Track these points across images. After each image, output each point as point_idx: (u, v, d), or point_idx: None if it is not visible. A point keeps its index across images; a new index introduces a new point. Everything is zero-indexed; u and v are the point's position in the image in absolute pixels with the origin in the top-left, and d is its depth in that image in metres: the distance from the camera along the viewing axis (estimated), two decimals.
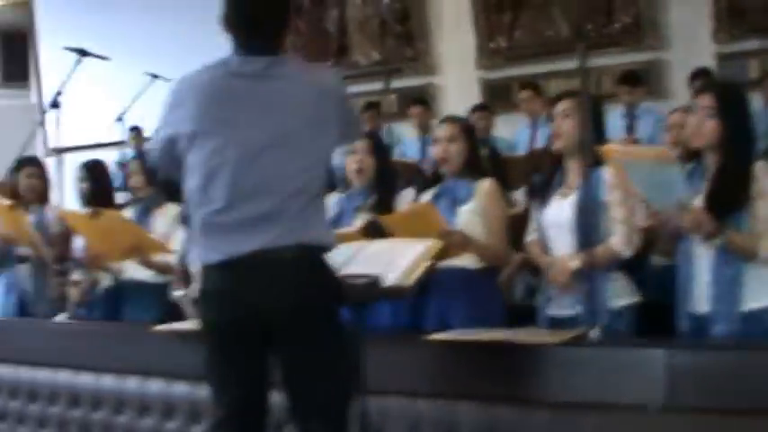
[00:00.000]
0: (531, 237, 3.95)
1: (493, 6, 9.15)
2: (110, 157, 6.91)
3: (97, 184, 5.32)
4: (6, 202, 5.21)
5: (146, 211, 5.01)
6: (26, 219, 5.11)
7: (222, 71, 2.90)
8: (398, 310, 4.01)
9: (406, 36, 9.64)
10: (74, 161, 5.55)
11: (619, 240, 3.63)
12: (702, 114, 3.43)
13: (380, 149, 4.34)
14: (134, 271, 4.89)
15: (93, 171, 5.39)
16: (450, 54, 9.01)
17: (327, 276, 2.93)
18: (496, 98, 9.02)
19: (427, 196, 4.15)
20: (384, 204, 4.18)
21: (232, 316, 2.85)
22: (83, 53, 4.94)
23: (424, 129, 8.25)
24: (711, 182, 3.40)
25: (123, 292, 5.02)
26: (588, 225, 3.59)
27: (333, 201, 4.23)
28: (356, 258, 3.30)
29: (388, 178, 4.34)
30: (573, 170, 3.79)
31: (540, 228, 3.87)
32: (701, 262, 3.44)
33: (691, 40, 8.20)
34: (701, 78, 6.91)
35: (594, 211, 3.60)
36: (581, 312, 3.63)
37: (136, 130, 9.10)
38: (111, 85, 8.93)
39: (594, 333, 3.31)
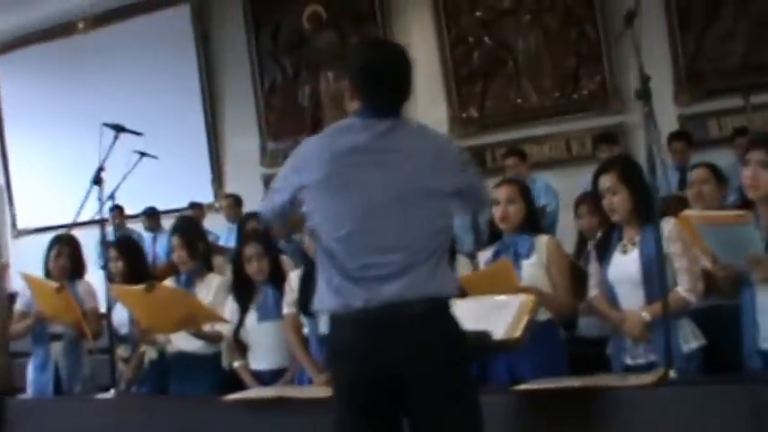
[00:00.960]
0: (593, 292, 4.14)
1: (464, 78, 9.52)
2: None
3: (132, 259, 5.42)
4: (53, 284, 5.23)
5: (189, 283, 5.06)
6: (71, 298, 5.10)
7: (348, 133, 3.01)
8: None
9: None
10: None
11: (685, 289, 3.86)
12: (757, 167, 3.72)
13: None
14: (181, 343, 4.96)
15: (125, 248, 5.51)
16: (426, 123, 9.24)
17: (459, 330, 3.03)
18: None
19: (488, 252, 4.36)
20: None
21: (369, 373, 2.91)
22: (120, 129, 4.99)
23: None
24: None
25: (170, 365, 5.06)
26: (655, 278, 3.82)
27: None
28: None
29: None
30: (629, 227, 4.02)
31: (603, 284, 4.07)
32: (766, 302, 3.68)
33: (654, 103, 8.58)
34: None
35: (660, 265, 3.79)
36: (655, 360, 3.84)
37: (117, 208, 9.16)
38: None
39: (673, 374, 3.54)
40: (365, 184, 2.95)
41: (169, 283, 5.10)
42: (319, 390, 4.17)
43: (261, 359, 4.78)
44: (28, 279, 5.30)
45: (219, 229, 9.19)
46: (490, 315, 3.51)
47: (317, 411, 3.86)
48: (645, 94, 3.96)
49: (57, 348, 5.39)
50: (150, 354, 5.09)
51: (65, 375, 5.36)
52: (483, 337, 3.30)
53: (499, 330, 3.42)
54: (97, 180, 4.82)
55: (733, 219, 3.56)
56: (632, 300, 3.96)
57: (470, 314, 3.48)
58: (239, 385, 4.75)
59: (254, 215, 6.07)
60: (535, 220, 4.39)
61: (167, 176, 9.23)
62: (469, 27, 9.48)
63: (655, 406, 3.42)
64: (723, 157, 6.91)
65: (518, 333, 3.42)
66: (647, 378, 3.57)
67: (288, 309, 4.63)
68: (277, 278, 4.85)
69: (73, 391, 5.32)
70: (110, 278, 5.16)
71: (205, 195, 10.23)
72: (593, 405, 3.52)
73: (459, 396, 2.96)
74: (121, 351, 5.10)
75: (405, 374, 2.89)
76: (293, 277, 4.64)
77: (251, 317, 4.79)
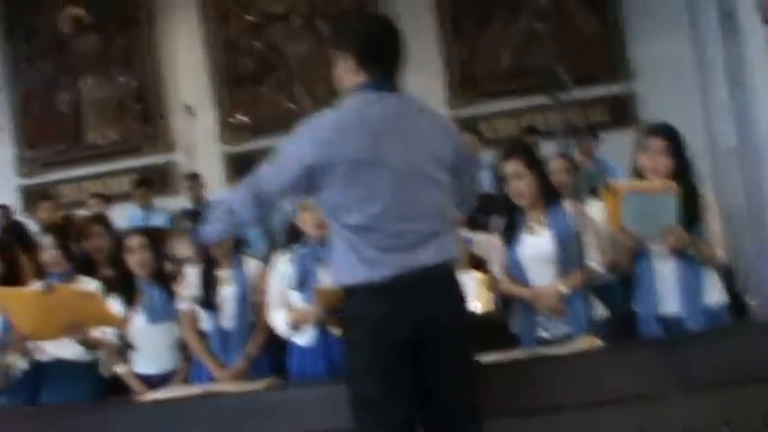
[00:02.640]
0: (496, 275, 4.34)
1: (233, 82, 9.51)
2: None
3: (11, 263, 5.04)
4: None
5: None
6: None
7: (366, 108, 3.04)
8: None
9: (144, 115, 9.69)
10: None
11: (596, 262, 4.17)
12: (656, 153, 4.12)
13: None
14: (55, 350, 4.69)
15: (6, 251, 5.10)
16: (190, 130, 9.15)
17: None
18: (240, 172, 9.28)
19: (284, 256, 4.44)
20: None
21: (399, 333, 2.99)
22: None
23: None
24: None
25: (41, 375, 4.75)
26: (567, 254, 4.16)
27: (292, 256, 4.38)
28: None
29: None
30: (533, 210, 4.28)
31: (511, 264, 4.28)
32: (665, 272, 4.10)
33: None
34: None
35: (571, 241, 4.14)
36: (569, 332, 4.14)
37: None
38: None
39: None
40: (391, 157, 3.01)
41: (36, 285, 4.77)
42: (241, 384, 4.15)
43: (150, 363, 4.61)
44: None
45: None
46: None
47: (246, 404, 3.87)
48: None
49: None
50: (20, 363, 4.73)
51: None
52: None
53: (475, 305, 3.56)
54: None
55: (660, 187, 3.95)
56: (543, 277, 4.21)
57: None
58: (120, 392, 4.56)
59: (98, 218, 5.81)
60: None
61: None
62: (240, 31, 9.51)
63: (594, 369, 3.69)
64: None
65: (492, 306, 3.59)
66: (581, 344, 3.85)
67: (185, 305, 4.53)
68: (161, 277, 4.71)
69: None
70: None
71: None
72: (541, 373, 3.71)
73: (470, 353, 3.17)
74: None
75: (431, 333, 3.02)
76: (191, 273, 4.55)
77: (138, 318, 4.60)
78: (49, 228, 5.03)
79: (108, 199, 8.56)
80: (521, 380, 3.64)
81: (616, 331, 4.23)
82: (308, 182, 3.07)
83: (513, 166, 4.28)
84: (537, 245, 4.23)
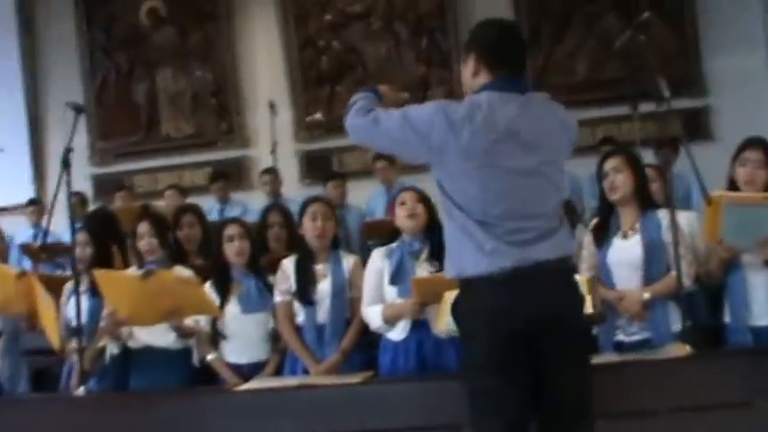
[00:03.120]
0: (587, 275, 4.31)
1: (311, 81, 9.60)
2: None
3: (103, 248, 5.13)
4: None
5: None
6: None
7: (491, 107, 3.11)
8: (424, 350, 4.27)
9: (219, 109, 9.81)
10: None
11: (683, 273, 4.13)
12: (753, 166, 4.16)
13: (429, 199, 4.44)
14: (146, 337, 4.74)
15: (97, 234, 5.17)
16: (266, 127, 9.22)
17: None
18: (315, 169, 9.43)
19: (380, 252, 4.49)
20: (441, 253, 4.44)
21: (514, 325, 3.06)
22: (80, 110, 4.76)
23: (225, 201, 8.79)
24: None
25: (131, 361, 4.80)
26: (654, 261, 4.20)
27: (387, 251, 4.44)
28: None
29: (439, 227, 4.58)
30: (627, 214, 4.33)
31: (599, 266, 4.35)
32: (757, 283, 4.15)
33: None
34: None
35: (661, 249, 4.19)
36: (649, 337, 4.18)
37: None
38: None
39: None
40: (510, 159, 3.11)
41: (135, 271, 4.86)
42: (335, 378, 4.22)
43: (241, 352, 4.66)
44: None
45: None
46: None
47: (341, 397, 3.96)
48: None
49: None
50: (111, 348, 4.80)
51: (5, 375, 5.01)
52: None
53: None
54: (66, 162, 4.54)
55: (761, 200, 3.99)
56: (630, 282, 4.25)
57: None
58: (210, 381, 4.65)
59: (190, 208, 5.90)
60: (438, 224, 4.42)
61: None
62: (318, 30, 9.62)
63: (684, 376, 3.78)
64: (578, 165, 7.40)
65: (592, 309, 3.66)
66: (673, 351, 3.92)
67: (281, 297, 4.58)
68: (256, 267, 4.79)
69: (15, 392, 4.97)
70: (72, 265, 4.77)
71: (26, 193, 9.65)
72: (632, 378, 3.81)
73: (584, 349, 3.27)
74: (74, 343, 4.76)
75: (546, 327, 3.08)
76: (288, 265, 4.62)
77: (232, 308, 4.67)
78: (146, 215, 5.07)
79: (184, 191, 8.68)
80: (611, 383, 3.67)
81: (698, 341, 4.20)
82: (418, 152, 3.23)
83: (613, 162, 4.34)
84: (626, 249, 4.27)
